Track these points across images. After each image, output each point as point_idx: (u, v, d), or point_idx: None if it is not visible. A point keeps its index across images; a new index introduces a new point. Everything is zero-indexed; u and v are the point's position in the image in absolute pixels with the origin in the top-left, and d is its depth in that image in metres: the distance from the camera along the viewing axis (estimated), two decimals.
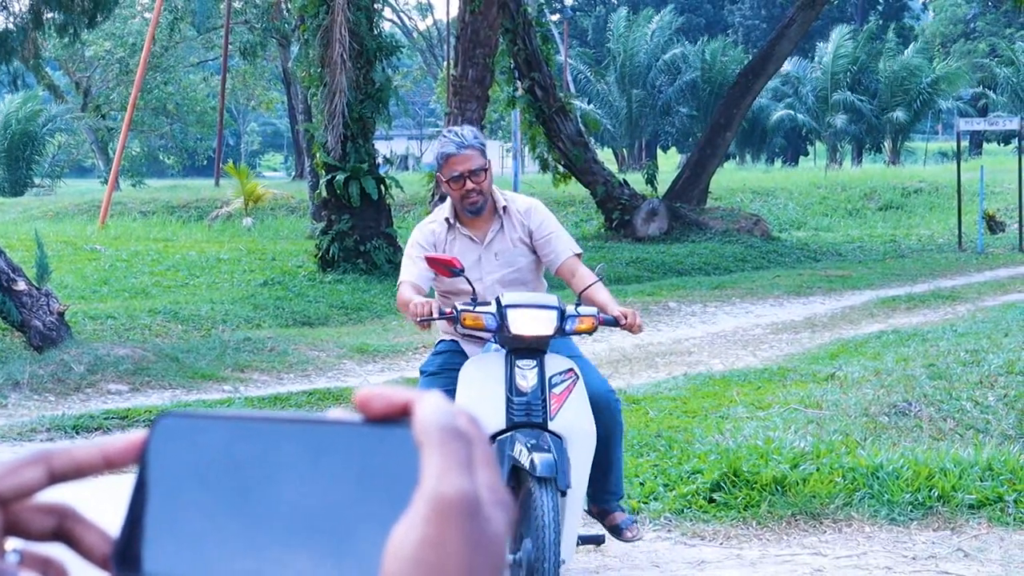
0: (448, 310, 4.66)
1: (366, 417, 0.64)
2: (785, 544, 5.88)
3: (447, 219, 4.97)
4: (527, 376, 4.53)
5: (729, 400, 8.60)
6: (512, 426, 4.51)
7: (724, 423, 7.67)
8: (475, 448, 0.62)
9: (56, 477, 0.66)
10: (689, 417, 8.05)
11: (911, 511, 6.10)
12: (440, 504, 0.60)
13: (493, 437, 4.47)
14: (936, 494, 6.17)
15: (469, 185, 4.82)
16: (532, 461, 4.29)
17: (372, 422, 0.64)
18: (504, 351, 4.63)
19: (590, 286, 4.83)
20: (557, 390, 4.54)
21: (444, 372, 4.83)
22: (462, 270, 4.57)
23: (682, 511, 6.21)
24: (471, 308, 4.60)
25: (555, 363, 4.59)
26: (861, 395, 8.17)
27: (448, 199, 5.01)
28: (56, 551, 0.67)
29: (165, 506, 0.65)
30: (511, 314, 4.52)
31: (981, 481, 6.29)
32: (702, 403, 8.52)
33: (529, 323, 4.53)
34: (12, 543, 0.66)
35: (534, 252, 5.00)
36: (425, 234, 4.96)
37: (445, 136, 4.93)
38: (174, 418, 0.67)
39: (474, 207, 4.87)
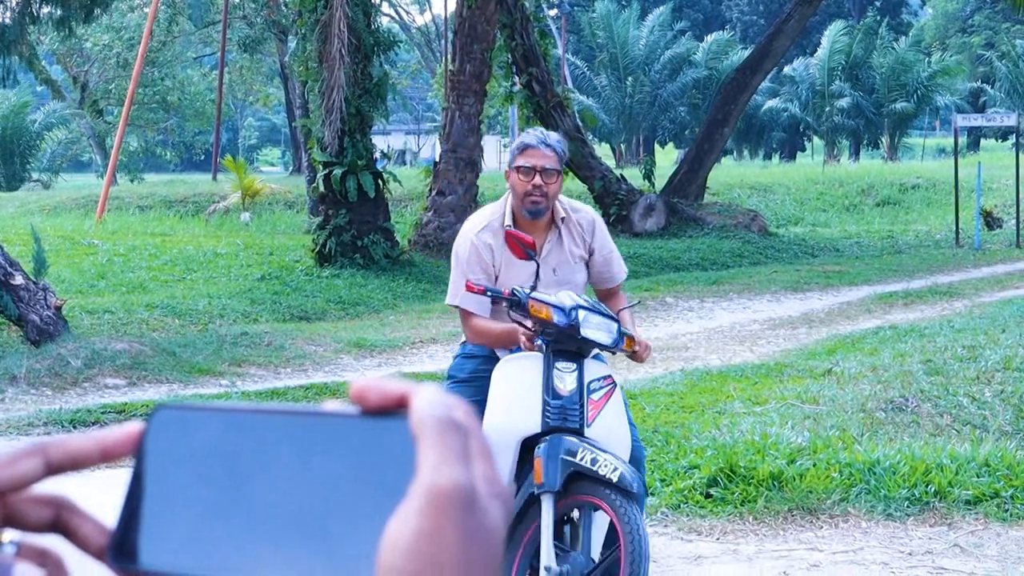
0: (505, 291, 4.42)
1: (362, 409, 0.64)
2: (782, 539, 5.88)
3: (507, 226, 4.67)
4: (566, 379, 4.34)
5: (726, 396, 8.60)
6: (548, 430, 4.31)
7: (721, 418, 7.67)
8: (472, 440, 0.62)
9: (53, 468, 0.66)
10: (686, 412, 8.05)
11: (908, 507, 6.11)
12: (436, 496, 0.60)
13: (527, 440, 4.32)
14: (933, 490, 6.18)
15: (537, 181, 4.58)
16: (622, 476, 4.14)
17: (368, 414, 0.64)
18: (544, 353, 4.42)
19: (623, 310, 4.73)
20: (595, 396, 4.36)
21: (475, 380, 4.61)
22: (536, 254, 4.45)
23: (679, 506, 6.22)
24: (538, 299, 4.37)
25: (594, 369, 4.44)
26: (858, 391, 8.17)
27: (503, 200, 4.75)
28: (53, 542, 0.67)
29: (161, 498, 0.65)
30: (584, 316, 4.33)
31: (978, 477, 6.30)
32: (699, 398, 8.52)
33: (598, 329, 4.36)
34: (9, 534, 0.66)
35: (587, 268, 4.81)
36: (482, 249, 4.66)
37: (530, 131, 4.75)
38: (170, 410, 0.67)
39: (535, 207, 4.61)
